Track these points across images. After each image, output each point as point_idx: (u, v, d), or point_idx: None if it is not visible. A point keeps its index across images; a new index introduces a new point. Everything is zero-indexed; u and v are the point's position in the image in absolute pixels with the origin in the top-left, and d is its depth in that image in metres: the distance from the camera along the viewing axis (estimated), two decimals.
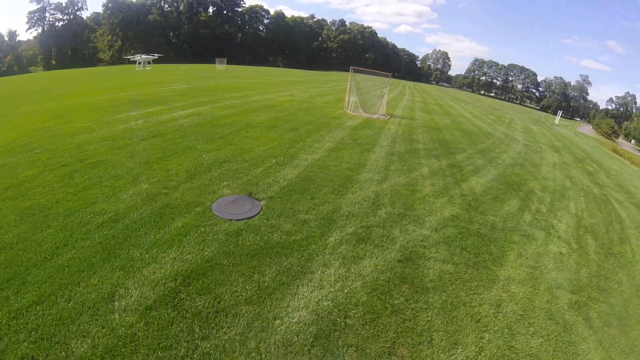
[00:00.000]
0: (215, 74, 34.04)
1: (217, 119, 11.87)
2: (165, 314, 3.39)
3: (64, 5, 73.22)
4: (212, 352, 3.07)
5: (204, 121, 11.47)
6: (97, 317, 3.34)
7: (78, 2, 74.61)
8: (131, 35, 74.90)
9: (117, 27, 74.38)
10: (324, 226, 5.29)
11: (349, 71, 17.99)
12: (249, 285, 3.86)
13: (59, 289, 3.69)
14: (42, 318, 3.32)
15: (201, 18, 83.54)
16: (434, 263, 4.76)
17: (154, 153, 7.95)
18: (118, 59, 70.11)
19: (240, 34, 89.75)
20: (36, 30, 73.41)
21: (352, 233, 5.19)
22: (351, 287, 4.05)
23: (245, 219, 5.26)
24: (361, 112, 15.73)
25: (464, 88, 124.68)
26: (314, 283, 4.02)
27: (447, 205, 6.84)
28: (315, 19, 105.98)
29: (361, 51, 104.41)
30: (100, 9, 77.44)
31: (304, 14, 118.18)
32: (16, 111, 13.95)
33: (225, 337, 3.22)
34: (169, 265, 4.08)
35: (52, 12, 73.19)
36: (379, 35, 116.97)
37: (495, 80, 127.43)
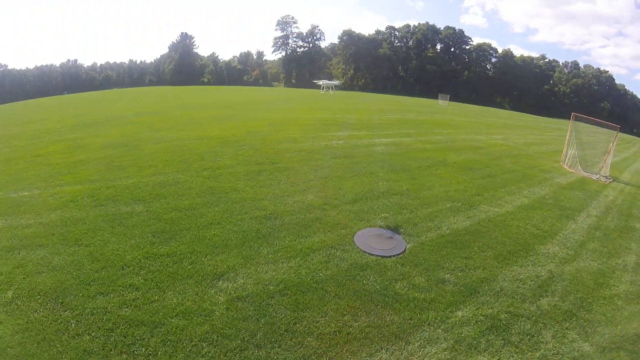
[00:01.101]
0: (435, 109, 34.92)
1: (413, 152, 12.17)
2: (247, 310, 3.76)
3: (304, 34, 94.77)
4: None
5: (399, 151, 12.03)
6: (199, 285, 4.11)
7: (317, 33, 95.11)
8: (362, 66, 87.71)
9: (350, 57, 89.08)
10: (460, 295, 4.46)
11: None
12: (334, 323, 3.70)
13: (191, 253, 4.73)
14: (163, 267, 4.41)
15: (429, 54, 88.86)
16: None
17: (336, 171, 8.90)
18: (350, 85, 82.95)
19: (466, 72, 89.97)
20: (280, 53, 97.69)
21: (488, 316, 4.17)
22: None
23: (380, 256, 5.07)
24: (579, 169, 13.55)
25: None
26: (402, 355, 3.46)
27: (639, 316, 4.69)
28: (546, 60, 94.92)
29: (596, 99, 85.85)
30: (336, 40, 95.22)
31: (534, 54, 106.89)
32: (245, 115, 18.55)
33: (269, 357, 3.29)
34: (282, 272, 4.46)
35: (295, 39, 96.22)
36: (617, 81, 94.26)
37: None
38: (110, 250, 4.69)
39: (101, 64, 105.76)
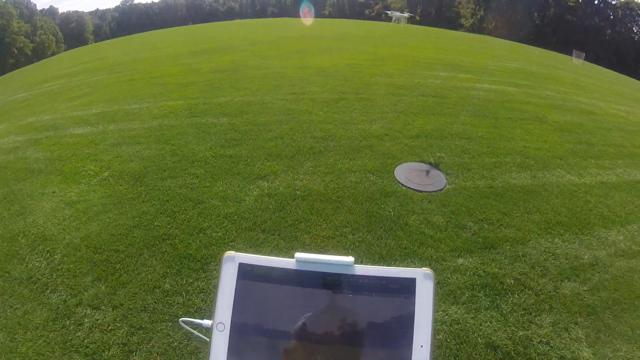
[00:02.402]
0: (564, 66, 29.19)
1: (512, 103, 10.79)
2: (269, 204, 4.49)
3: None
4: None
5: (497, 99, 10.81)
6: (243, 181, 4.98)
7: None
8: (494, 7, 74.77)
9: None
10: (472, 244, 4.10)
11: None
12: (332, 231, 4.08)
13: (248, 157, 5.61)
14: (223, 164, 5.35)
15: (570, 3, 71.49)
16: None
17: (414, 108, 8.56)
18: (478, 28, 73.36)
19: (609, 31, 70.80)
20: None
21: (491, 274, 3.74)
22: None
23: (412, 189, 5.04)
24: None
25: None
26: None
27: None
28: None
29: None
30: None
31: None
32: (353, 49, 18.25)
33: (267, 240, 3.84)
34: (313, 182, 5.00)
35: None
36: None
37: None
38: (189, 149, 5.77)
39: None
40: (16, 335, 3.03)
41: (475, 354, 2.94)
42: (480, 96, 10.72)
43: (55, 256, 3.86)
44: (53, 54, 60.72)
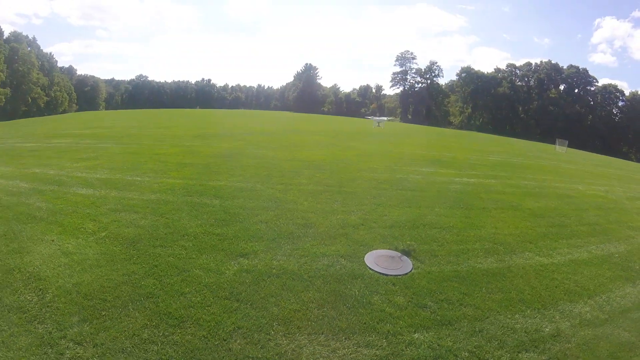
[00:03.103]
0: (547, 155, 31.22)
1: (489, 193, 11.62)
2: (246, 278, 5.00)
3: (423, 70, 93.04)
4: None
5: (473, 191, 11.68)
6: (226, 256, 5.55)
7: (435, 70, 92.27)
8: (481, 104, 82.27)
9: (468, 95, 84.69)
10: (430, 321, 4.44)
11: None
12: (300, 304, 4.55)
13: (233, 237, 6.27)
14: (210, 240, 5.97)
15: (551, 95, 79.05)
16: None
17: (392, 201, 9.37)
18: (466, 125, 79.17)
19: (590, 116, 77.40)
20: (398, 88, 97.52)
21: (446, 347, 4.01)
22: None
23: (379, 273, 5.54)
24: None
25: None
26: (336, 344, 3.93)
27: None
28: None
29: None
30: (454, 77, 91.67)
31: None
32: (343, 144, 19.94)
33: (239, 309, 4.23)
34: (289, 263, 5.57)
35: (413, 75, 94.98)
36: None
37: None
38: (181, 224, 6.54)
39: (232, 86, 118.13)
40: None
41: None
42: (458, 189, 11.62)
43: (47, 295, 4.36)
44: (64, 111, 65.23)
